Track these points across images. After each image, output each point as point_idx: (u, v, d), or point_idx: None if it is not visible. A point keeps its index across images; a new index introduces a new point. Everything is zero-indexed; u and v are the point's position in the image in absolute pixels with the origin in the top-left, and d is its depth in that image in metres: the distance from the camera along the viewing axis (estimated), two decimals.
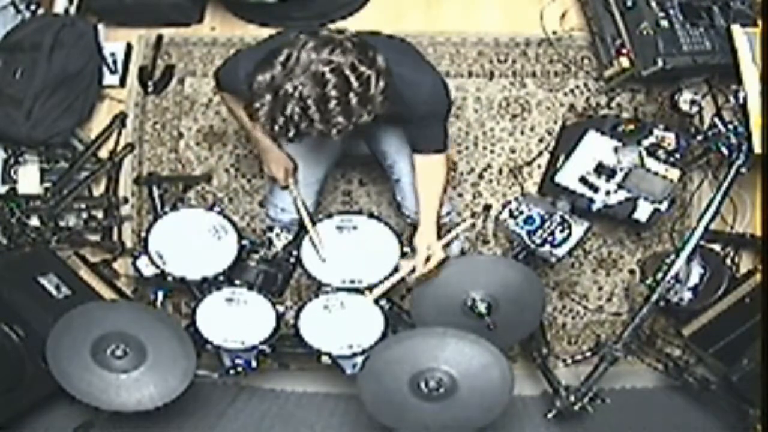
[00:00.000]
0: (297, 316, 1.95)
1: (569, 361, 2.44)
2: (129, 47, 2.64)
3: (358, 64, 1.34)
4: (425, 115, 1.66)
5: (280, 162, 1.93)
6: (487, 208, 2.51)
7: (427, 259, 1.81)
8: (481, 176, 2.54)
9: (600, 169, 2.15)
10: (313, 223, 1.93)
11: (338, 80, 1.32)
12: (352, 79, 1.33)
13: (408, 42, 1.75)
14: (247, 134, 1.87)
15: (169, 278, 2.00)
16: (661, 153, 2.13)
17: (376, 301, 1.92)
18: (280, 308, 1.99)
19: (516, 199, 2.06)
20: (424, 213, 1.82)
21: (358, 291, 1.93)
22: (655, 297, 2.00)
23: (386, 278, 1.90)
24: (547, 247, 1.97)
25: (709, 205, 1.99)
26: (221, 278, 2.01)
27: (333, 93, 1.32)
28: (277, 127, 1.36)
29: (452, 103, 1.72)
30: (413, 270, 1.84)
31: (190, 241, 1.96)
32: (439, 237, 1.85)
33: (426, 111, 1.65)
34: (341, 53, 1.33)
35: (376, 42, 1.44)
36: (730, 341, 2.09)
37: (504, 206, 2.07)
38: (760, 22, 2.03)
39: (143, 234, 2.01)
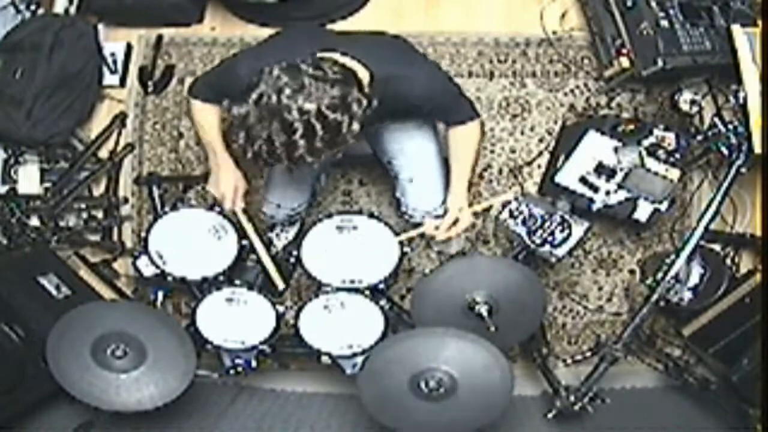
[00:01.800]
0: (297, 316, 1.95)
1: (569, 361, 2.44)
2: (129, 47, 2.64)
3: (327, 110, 1.35)
4: (434, 106, 1.69)
5: (230, 180, 1.86)
6: (487, 208, 2.51)
7: (455, 223, 1.82)
8: (481, 176, 2.54)
9: (600, 169, 2.15)
10: (268, 249, 1.95)
11: (305, 130, 1.34)
12: (318, 127, 1.35)
13: (403, 39, 1.75)
14: (206, 145, 1.85)
15: (169, 278, 2.00)
16: (661, 153, 2.13)
17: (374, 299, 1.92)
18: (280, 308, 1.99)
19: (516, 199, 2.06)
20: (457, 176, 1.84)
21: (358, 291, 1.93)
22: (655, 297, 2.00)
23: (413, 228, 1.90)
24: (547, 247, 1.97)
25: (709, 205, 1.99)
26: (221, 278, 2.01)
27: (300, 141, 1.35)
28: (247, 157, 1.42)
29: (455, 88, 1.74)
30: (436, 229, 1.83)
31: (190, 241, 1.96)
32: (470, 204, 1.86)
33: (425, 99, 1.66)
34: (314, 99, 1.34)
35: (373, 47, 1.45)
36: (730, 341, 2.09)
37: (504, 206, 2.07)
38: (760, 22, 2.03)
39: (143, 234, 2.01)
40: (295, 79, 1.35)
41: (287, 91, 1.34)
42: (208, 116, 1.81)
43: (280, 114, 1.34)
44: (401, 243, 1.90)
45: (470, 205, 1.85)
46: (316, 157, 1.40)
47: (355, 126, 1.40)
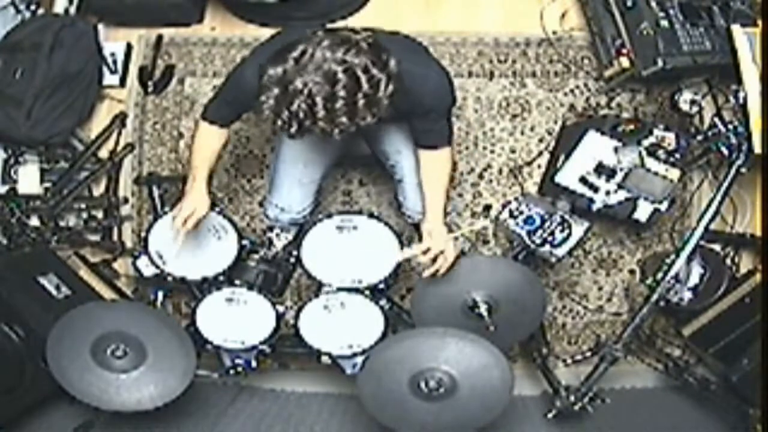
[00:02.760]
0: (297, 316, 1.95)
1: (569, 361, 2.44)
2: (129, 47, 2.64)
3: (370, 66, 1.34)
4: (431, 108, 1.68)
5: (193, 203, 1.79)
6: (487, 208, 2.51)
7: (430, 253, 1.79)
8: (481, 176, 2.54)
9: (600, 169, 2.15)
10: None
11: (349, 80, 1.32)
12: (363, 80, 1.33)
13: (411, 38, 1.76)
14: (192, 169, 1.82)
15: (169, 278, 2.00)
16: (661, 153, 2.13)
17: (374, 299, 1.92)
18: (280, 308, 1.99)
19: (516, 199, 2.06)
20: (432, 208, 1.82)
21: (359, 291, 1.93)
22: (655, 297, 2.00)
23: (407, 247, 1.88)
24: (547, 247, 1.97)
25: (709, 205, 1.99)
26: (221, 278, 2.01)
27: (342, 93, 1.32)
28: (280, 122, 1.36)
29: (456, 99, 1.73)
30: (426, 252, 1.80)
31: (190, 241, 1.96)
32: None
33: (432, 104, 1.66)
34: (355, 54, 1.33)
35: (389, 42, 1.45)
36: (730, 341, 2.09)
37: (504, 206, 2.07)
38: (760, 22, 2.03)
39: (143, 234, 2.01)
40: (334, 36, 1.34)
41: (329, 43, 1.32)
42: (210, 139, 1.80)
43: (322, 65, 1.31)
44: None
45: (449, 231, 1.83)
46: (352, 119, 1.36)
47: (390, 88, 1.38)
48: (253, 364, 2.07)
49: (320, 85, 1.31)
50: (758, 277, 2.11)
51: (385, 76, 1.37)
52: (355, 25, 2.51)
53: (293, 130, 1.37)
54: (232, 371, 2.06)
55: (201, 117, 1.80)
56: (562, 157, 2.25)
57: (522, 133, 2.54)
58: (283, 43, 1.64)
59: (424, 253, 1.79)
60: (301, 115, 1.34)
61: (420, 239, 2.47)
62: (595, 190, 2.15)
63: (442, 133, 1.75)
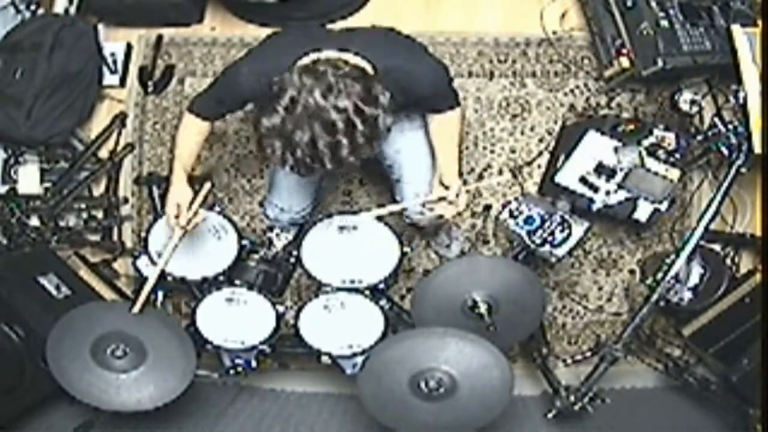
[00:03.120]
0: (297, 316, 1.95)
1: (569, 361, 2.44)
2: (129, 47, 2.64)
3: (362, 105, 1.35)
4: (430, 97, 1.70)
5: (173, 200, 1.75)
6: (487, 208, 2.51)
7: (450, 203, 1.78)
8: (481, 176, 2.54)
9: (600, 169, 2.15)
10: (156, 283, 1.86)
11: (346, 126, 1.34)
12: (358, 122, 1.35)
13: (397, 31, 1.74)
14: (174, 162, 1.83)
15: (169, 278, 2.00)
16: (661, 153, 2.13)
17: (374, 299, 1.92)
18: (280, 308, 1.99)
19: (516, 199, 2.06)
20: (445, 163, 1.82)
21: (358, 291, 1.93)
22: (655, 297, 2.00)
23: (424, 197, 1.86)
24: (547, 247, 1.97)
25: (709, 205, 1.99)
26: (221, 278, 2.01)
27: (344, 140, 1.34)
28: (287, 167, 1.40)
29: (452, 81, 1.75)
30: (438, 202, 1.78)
31: (189, 241, 1.96)
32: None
33: (430, 95, 1.68)
34: (346, 96, 1.34)
35: (370, 35, 1.44)
36: (730, 341, 2.09)
37: (504, 206, 2.06)
38: (760, 22, 2.03)
39: (143, 234, 2.01)
40: (319, 80, 1.34)
41: (318, 92, 1.33)
42: (194, 132, 1.80)
43: (319, 115, 1.32)
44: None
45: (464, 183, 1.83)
46: (357, 156, 1.39)
47: (389, 119, 1.40)
48: (253, 364, 2.06)
49: (319, 133, 1.33)
50: (758, 277, 2.11)
51: (380, 110, 1.38)
52: (352, 24, 2.54)
53: (303, 172, 1.41)
54: (232, 371, 2.06)
55: (187, 109, 1.80)
56: (562, 157, 2.25)
57: (522, 133, 2.54)
58: (277, 45, 1.65)
59: (439, 200, 1.78)
60: (308, 161, 1.37)
61: (421, 238, 2.50)
62: (595, 190, 2.15)
63: (449, 100, 1.77)
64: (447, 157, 1.83)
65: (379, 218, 1.93)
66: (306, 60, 1.46)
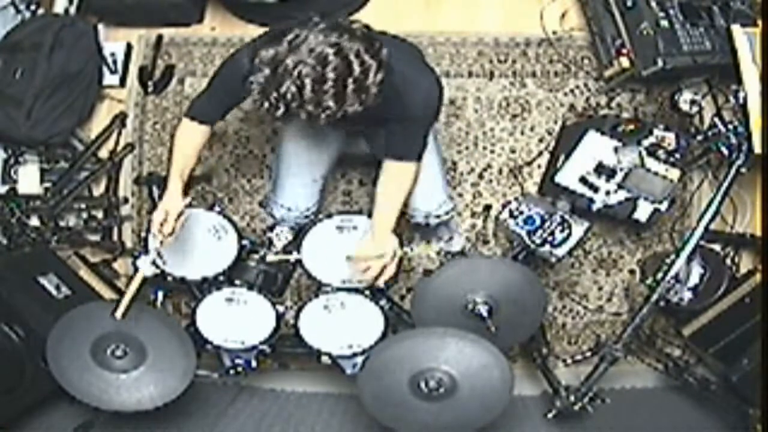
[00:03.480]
0: (297, 316, 1.95)
1: (569, 361, 2.44)
2: (129, 47, 2.64)
3: (362, 51, 1.34)
4: (414, 115, 1.64)
5: (163, 208, 1.72)
6: (487, 208, 2.51)
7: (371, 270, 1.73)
8: (481, 176, 2.54)
9: (600, 169, 2.15)
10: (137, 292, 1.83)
11: (340, 63, 1.32)
12: (355, 64, 1.33)
13: (412, 44, 1.75)
14: (171, 168, 1.79)
15: (169, 278, 2.00)
16: (661, 153, 2.13)
17: (374, 299, 1.92)
18: (280, 308, 1.99)
19: (516, 199, 2.06)
20: (382, 220, 1.76)
21: (358, 291, 1.93)
22: (655, 297, 2.00)
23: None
24: (547, 247, 1.97)
25: (709, 205, 1.98)
26: (221, 278, 2.01)
27: (331, 75, 1.32)
28: (267, 103, 1.36)
29: (439, 114, 1.72)
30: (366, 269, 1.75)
31: (190, 241, 1.96)
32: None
33: (416, 112, 1.64)
34: (349, 39, 1.34)
35: (389, 44, 1.45)
36: (730, 341, 2.09)
37: (504, 206, 2.07)
38: (760, 22, 2.03)
39: (143, 234, 2.00)
40: (331, 23, 1.35)
41: (324, 28, 1.33)
42: (193, 137, 1.78)
43: (315, 48, 1.31)
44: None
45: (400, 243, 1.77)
46: (339, 104, 1.35)
47: (380, 76, 1.37)
48: (253, 364, 2.06)
49: (310, 66, 1.31)
50: (758, 277, 2.11)
51: (376, 63, 1.36)
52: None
53: (280, 112, 1.36)
54: (232, 371, 2.06)
55: (185, 115, 1.78)
56: (562, 157, 2.25)
57: (522, 133, 2.54)
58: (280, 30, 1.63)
59: (365, 266, 1.73)
60: (289, 96, 1.33)
61: (422, 238, 2.49)
62: (595, 190, 2.15)
63: (416, 147, 1.71)
64: (385, 211, 1.76)
65: None
66: None
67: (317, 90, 1.32)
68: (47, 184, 2.53)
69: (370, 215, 1.91)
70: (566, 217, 1.99)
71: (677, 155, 2.13)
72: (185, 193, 1.80)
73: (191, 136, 1.79)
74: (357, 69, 1.33)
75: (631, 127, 2.19)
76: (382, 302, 1.95)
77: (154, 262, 1.84)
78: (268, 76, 1.34)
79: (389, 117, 1.65)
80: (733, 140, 1.95)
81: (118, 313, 1.79)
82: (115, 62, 2.61)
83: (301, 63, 1.31)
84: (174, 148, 1.81)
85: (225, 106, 1.77)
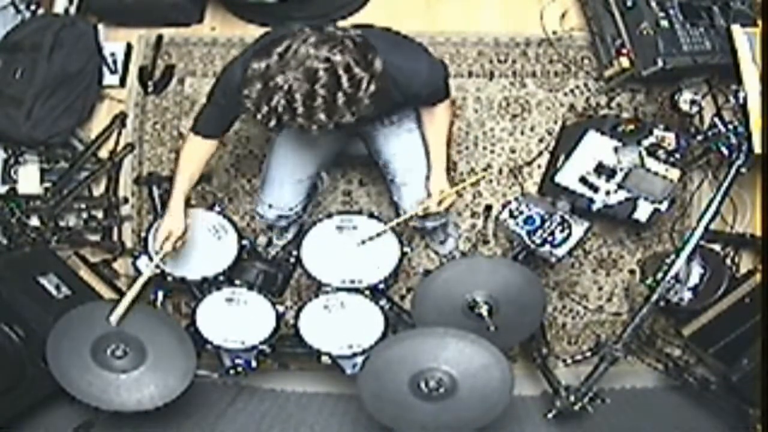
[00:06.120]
0: (297, 316, 1.95)
1: (569, 361, 2.44)
2: (129, 47, 2.65)
3: (353, 64, 1.35)
4: (426, 95, 1.72)
5: (167, 227, 1.80)
6: (488, 208, 2.51)
7: (440, 202, 1.85)
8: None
9: (600, 169, 2.15)
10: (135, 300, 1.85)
11: (329, 79, 1.33)
12: (344, 79, 1.34)
13: (398, 32, 1.75)
14: (174, 183, 1.83)
15: (169, 278, 2.00)
16: (661, 153, 2.13)
17: (374, 299, 1.92)
18: (280, 308, 1.99)
19: (516, 199, 2.06)
20: (435, 157, 1.87)
21: (359, 291, 1.93)
22: (655, 297, 2.00)
23: (403, 214, 1.93)
24: (547, 247, 1.97)
25: (709, 205, 1.99)
26: (221, 278, 2.01)
27: (321, 91, 1.33)
28: (260, 116, 1.38)
29: (449, 89, 1.78)
30: (426, 209, 1.86)
31: (189, 241, 1.96)
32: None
33: (425, 93, 1.70)
34: (339, 52, 1.34)
35: (367, 34, 1.45)
36: (730, 341, 2.09)
37: (504, 206, 2.06)
38: (760, 22, 2.03)
39: (143, 234, 2.01)
40: (321, 33, 1.35)
41: (315, 41, 1.33)
42: (200, 151, 1.80)
43: (304, 62, 1.32)
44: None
45: (453, 185, 1.88)
46: (330, 117, 1.36)
47: (372, 87, 1.38)
48: (253, 364, 2.06)
49: (300, 82, 1.32)
50: (758, 277, 2.11)
51: (367, 76, 1.37)
52: (350, 22, 2.54)
53: (272, 124, 1.38)
54: (232, 371, 2.06)
55: (191, 131, 1.79)
56: (562, 157, 2.25)
57: (522, 133, 2.54)
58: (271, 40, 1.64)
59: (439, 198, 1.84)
60: (280, 110, 1.35)
61: (422, 238, 2.49)
62: (595, 190, 2.15)
63: (441, 93, 1.78)
64: (435, 151, 1.87)
65: (379, 219, 1.94)
66: None
67: (308, 105, 1.34)
68: (47, 184, 2.53)
69: (370, 215, 1.92)
70: (566, 217, 1.99)
71: (677, 155, 2.13)
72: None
73: (198, 152, 1.80)
74: (346, 83, 1.34)
75: (631, 127, 2.19)
76: (382, 302, 1.96)
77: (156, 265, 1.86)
78: (260, 90, 1.36)
79: (401, 104, 1.73)
80: (733, 140, 1.95)
81: (113, 318, 1.79)
82: (115, 62, 2.61)
83: (290, 78, 1.32)
84: (180, 165, 1.81)
85: (228, 118, 1.77)
